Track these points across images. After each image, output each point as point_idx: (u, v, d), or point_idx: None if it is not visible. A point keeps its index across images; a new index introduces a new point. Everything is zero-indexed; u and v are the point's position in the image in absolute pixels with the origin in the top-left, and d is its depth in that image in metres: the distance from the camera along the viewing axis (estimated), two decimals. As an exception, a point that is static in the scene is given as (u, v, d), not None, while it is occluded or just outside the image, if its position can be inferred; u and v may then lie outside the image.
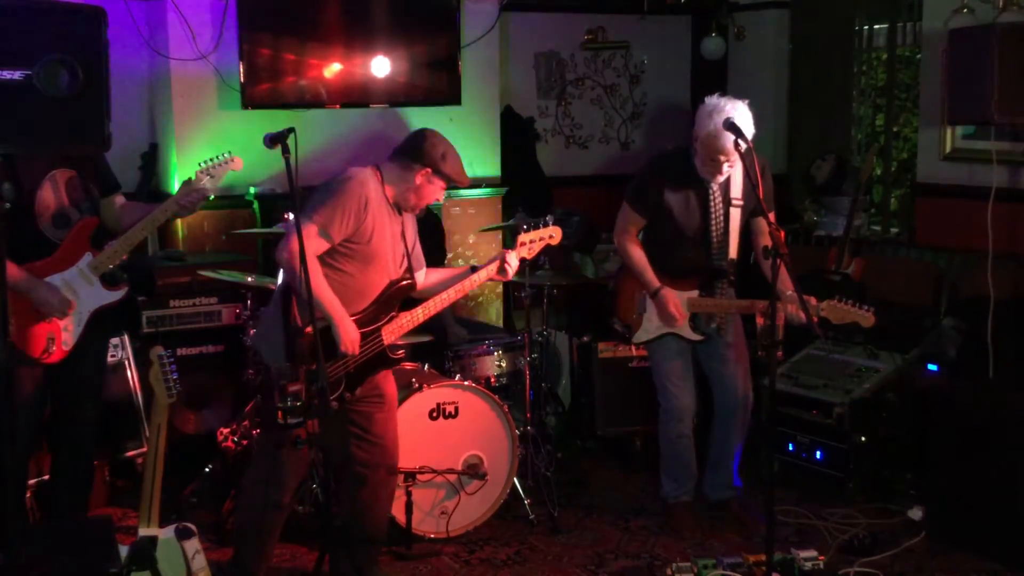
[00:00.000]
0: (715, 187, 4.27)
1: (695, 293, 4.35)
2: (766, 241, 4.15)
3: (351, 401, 3.74)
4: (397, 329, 3.79)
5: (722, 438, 4.56)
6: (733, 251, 4.32)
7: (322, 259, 3.62)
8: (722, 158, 4.14)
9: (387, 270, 3.75)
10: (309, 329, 3.51)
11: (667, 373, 4.48)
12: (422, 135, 3.74)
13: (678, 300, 4.33)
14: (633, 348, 5.33)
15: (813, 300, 4.05)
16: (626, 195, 4.47)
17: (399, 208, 3.77)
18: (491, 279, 3.95)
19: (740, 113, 4.09)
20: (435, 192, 3.75)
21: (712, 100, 4.17)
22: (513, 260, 3.93)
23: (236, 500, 4.41)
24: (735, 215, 4.30)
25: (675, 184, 4.31)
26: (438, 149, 3.68)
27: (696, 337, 4.40)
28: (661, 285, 4.35)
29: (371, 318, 3.72)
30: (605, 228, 6.81)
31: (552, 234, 4.05)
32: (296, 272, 3.46)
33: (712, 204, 4.29)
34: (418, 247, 3.93)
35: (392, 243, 3.75)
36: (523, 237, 4.00)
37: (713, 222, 4.31)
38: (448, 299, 3.87)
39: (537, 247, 4.04)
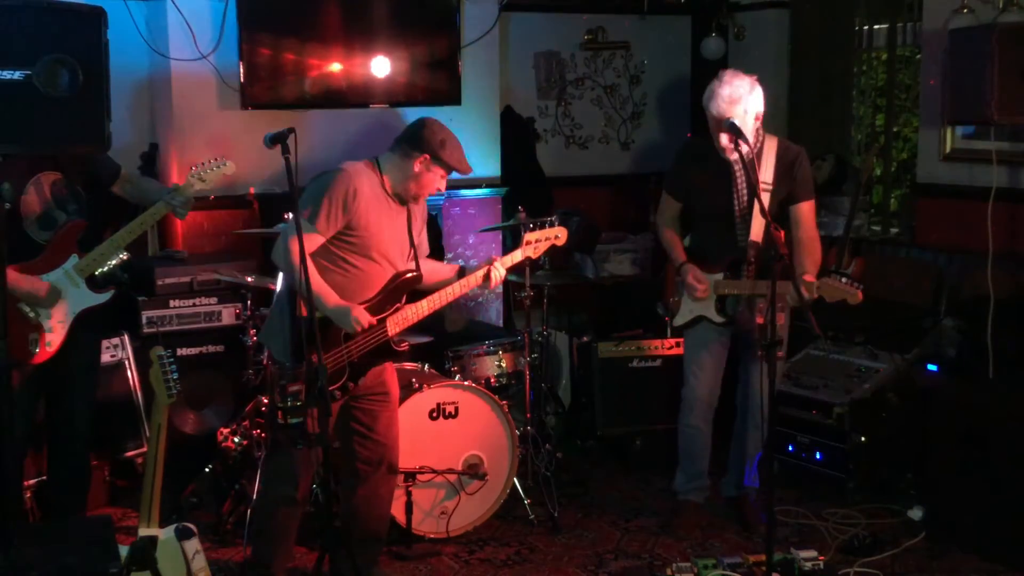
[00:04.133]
0: (738, 168, 4.29)
1: (720, 276, 4.37)
2: (800, 233, 4.28)
3: (354, 394, 3.74)
4: (402, 321, 3.78)
5: (738, 436, 4.59)
6: (755, 234, 4.31)
7: (322, 255, 3.62)
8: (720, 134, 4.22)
9: (391, 262, 3.75)
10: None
11: (691, 360, 4.52)
12: (421, 123, 3.74)
13: (699, 273, 4.35)
14: (633, 347, 5.35)
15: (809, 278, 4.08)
16: (663, 182, 4.63)
17: (401, 199, 3.77)
18: (475, 287, 3.94)
19: (737, 89, 4.16)
20: (435, 181, 3.74)
21: (716, 78, 4.27)
22: (500, 270, 3.92)
23: (238, 500, 4.42)
24: (763, 198, 4.30)
25: (701, 165, 4.41)
26: (437, 136, 3.69)
27: (719, 319, 4.41)
28: (686, 260, 4.41)
29: (376, 308, 3.71)
30: (605, 228, 6.84)
31: (558, 235, 4.08)
32: (291, 269, 3.49)
33: (735, 184, 4.32)
34: (424, 236, 3.92)
35: (395, 235, 3.75)
36: (529, 236, 4.01)
37: (736, 201, 4.34)
38: (453, 294, 3.88)
39: (543, 247, 4.05)
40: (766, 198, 4.28)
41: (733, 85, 4.17)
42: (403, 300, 3.81)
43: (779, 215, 4.35)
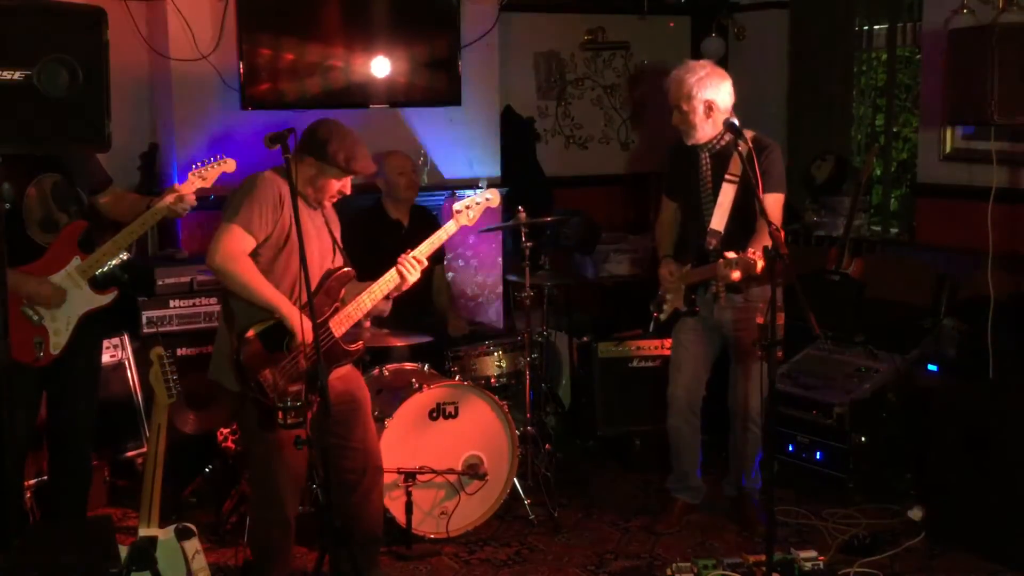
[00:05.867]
0: (705, 156, 4.35)
1: (689, 267, 4.39)
2: (766, 241, 4.17)
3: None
4: (345, 320, 3.72)
5: (733, 437, 4.58)
6: (717, 223, 4.31)
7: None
8: (682, 104, 4.27)
9: (319, 262, 3.68)
10: (251, 333, 3.50)
11: (671, 360, 4.59)
12: (313, 125, 3.67)
13: (672, 265, 4.43)
14: (633, 347, 5.35)
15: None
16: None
17: (310, 203, 3.69)
18: (393, 285, 3.80)
19: (685, 73, 4.26)
20: (331, 183, 3.65)
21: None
22: (415, 272, 3.80)
23: (238, 500, 4.42)
24: (728, 189, 4.31)
25: (679, 159, 4.49)
26: (322, 137, 3.60)
27: (683, 308, 4.44)
28: (666, 255, 4.50)
29: (315, 312, 3.60)
30: (605, 228, 6.84)
31: (489, 196, 4.03)
32: (231, 273, 3.47)
33: (701, 172, 4.37)
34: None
35: (317, 235, 3.68)
36: (457, 205, 3.97)
37: (701, 189, 4.37)
38: (392, 281, 3.77)
39: (477, 211, 4.00)
40: (732, 189, 4.30)
41: (685, 67, 4.29)
42: (341, 297, 3.73)
43: (747, 207, 4.35)
